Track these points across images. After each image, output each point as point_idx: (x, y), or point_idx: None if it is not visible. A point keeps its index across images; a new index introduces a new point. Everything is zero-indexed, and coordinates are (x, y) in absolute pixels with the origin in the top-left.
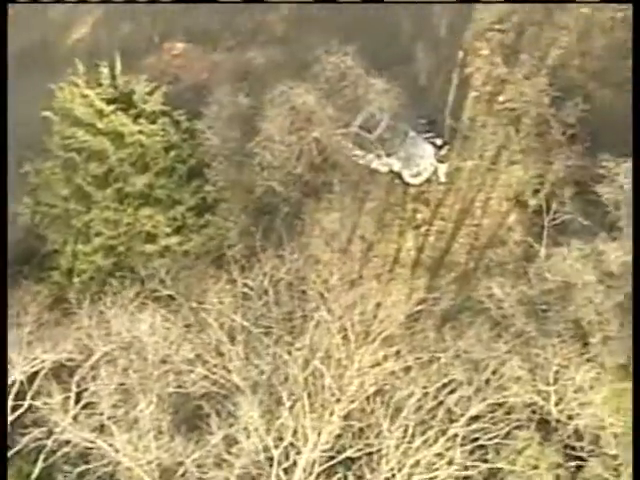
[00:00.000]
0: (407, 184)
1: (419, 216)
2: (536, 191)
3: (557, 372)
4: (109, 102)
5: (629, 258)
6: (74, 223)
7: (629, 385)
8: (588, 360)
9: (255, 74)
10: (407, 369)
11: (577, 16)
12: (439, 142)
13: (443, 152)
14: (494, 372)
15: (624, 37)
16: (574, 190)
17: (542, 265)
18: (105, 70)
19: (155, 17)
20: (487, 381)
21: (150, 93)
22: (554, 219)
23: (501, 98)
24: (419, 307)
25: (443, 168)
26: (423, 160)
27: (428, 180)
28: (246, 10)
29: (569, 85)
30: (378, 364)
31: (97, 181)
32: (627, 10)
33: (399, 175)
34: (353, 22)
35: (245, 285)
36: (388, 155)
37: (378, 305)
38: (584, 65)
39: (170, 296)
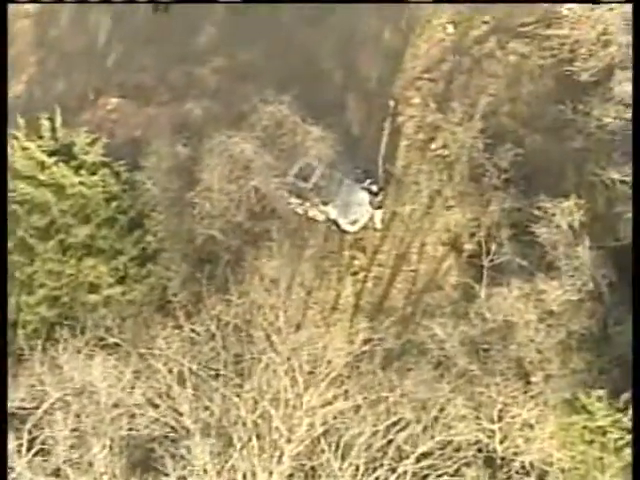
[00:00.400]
0: (344, 231)
1: (356, 263)
2: (472, 235)
3: (501, 410)
4: (50, 154)
5: (569, 296)
6: (18, 275)
7: (576, 419)
8: (532, 397)
9: (193, 126)
10: (357, 408)
11: (506, 64)
12: (375, 189)
13: (379, 199)
14: (441, 410)
15: (552, 84)
16: (511, 232)
17: (483, 305)
18: (46, 123)
19: (89, 73)
20: (435, 419)
21: (90, 145)
22: (492, 260)
23: (434, 145)
24: (363, 348)
25: (379, 215)
26: (359, 207)
27: (364, 227)
28: (178, 65)
29: (500, 131)
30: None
31: (39, 233)
32: (555, 57)
33: (336, 223)
34: (287, 72)
35: (192, 330)
36: (324, 203)
37: (324, 347)
38: (514, 111)
39: (117, 344)
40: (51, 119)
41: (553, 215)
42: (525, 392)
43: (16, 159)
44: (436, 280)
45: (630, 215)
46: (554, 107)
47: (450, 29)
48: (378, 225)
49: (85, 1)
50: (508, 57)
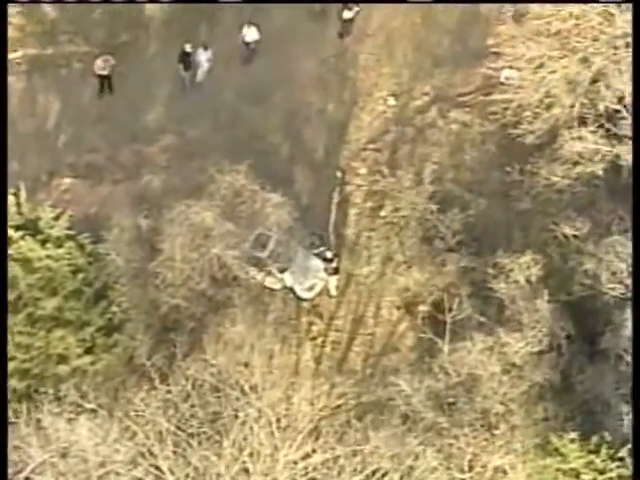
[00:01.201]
0: (300, 299)
1: (314, 328)
2: (428, 295)
3: (471, 460)
4: (16, 229)
5: (531, 349)
6: None
7: (550, 461)
8: (500, 446)
9: (152, 198)
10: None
11: (448, 132)
12: (329, 255)
13: (333, 265)
14: (415, 460)
15: (496, 149)
16: (469, 289)
17: (446, 360)
18: (11, 198)
19: (41, 155)
20: (410, 468)
21: (55, 219)
22: (453, 317)
23: (383, 212)
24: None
25: (333, 282)
26: (314, 274)
27: (320, 294)
28: (128, 144)
29: (447, 196)
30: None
31: (9, 307)
32: (498, 122)
33: (292, 290)
34: (236, 146)
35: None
36: (281, 271)
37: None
38: (458, 177)
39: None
40: (16, 194)
41: (510, 271)
42: (493, 442)
43: None
44: (392, 343)
45: (586, 267)
46: (499, 171)
47: (391, 101)
48: (333, 292)
49: (86, 1)
50: (450, 126)
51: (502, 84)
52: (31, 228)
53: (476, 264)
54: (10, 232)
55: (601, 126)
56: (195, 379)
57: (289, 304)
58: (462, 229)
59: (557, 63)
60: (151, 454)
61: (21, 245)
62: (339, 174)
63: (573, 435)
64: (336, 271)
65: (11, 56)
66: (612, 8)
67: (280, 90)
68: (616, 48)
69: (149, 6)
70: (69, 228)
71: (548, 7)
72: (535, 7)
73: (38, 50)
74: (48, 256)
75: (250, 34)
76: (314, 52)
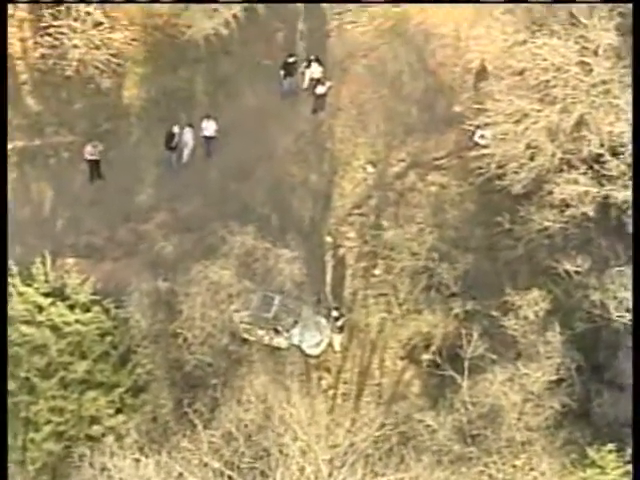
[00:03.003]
0: (308, 355)
1: (324, 382)
2: (427, 346)
3: None
4: (46, 296)
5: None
6: (23, 415)
7: (590, 473)
8: (530, 470)
9: (165, 263)
10: None
11: (427, 194)
12: (335, 314)
13: (339, 324)
14: None
15: (474, 207)
16: (480, 329)
17: (466, 394)
18: (40, 267)
19: (41, 239)
20: None
21: (81, 284)
22: (472, 353)
23: (376, 271)
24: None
25: (338, 338)
26: (320, 331)
27: (326, 350)
28: (123, 224)
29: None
30: None
31: (41, 372)
32: (482, 176)
33: (299, 347)
34: (228, 219)
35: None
36: (287, 330)
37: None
38: (442, 235)
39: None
40: (42, 263)
41: (519, 307)
42: (522, 467)
43: (14, 304)
44: (400, 392)
45: (592, 299)
46: (478, 229)
47: (370, 169)
48: (337, 347)
49: (86, 1)
50: (429, 188)
51: (477, 144)
52: (58, 295)
53: (481, 306)
54: (40, 299)
55: (590, 168)
56: (240, 419)
57: (299, 360)
58: (458, 279)
59: (538, 114)
60: None
61: (51, 312)
62: (330, 239)
63: (611, 447)
64: (341, 329)
65: None
66: (589, 58)
67: (262, 165)
68: (595, 96)
69: (127, 94)
70: (93, 294)
71: (528, 60)
72: (514, 62)
73: (26, 142)
74: (77, 320)
75: (209, 128)
76: (290, 128)
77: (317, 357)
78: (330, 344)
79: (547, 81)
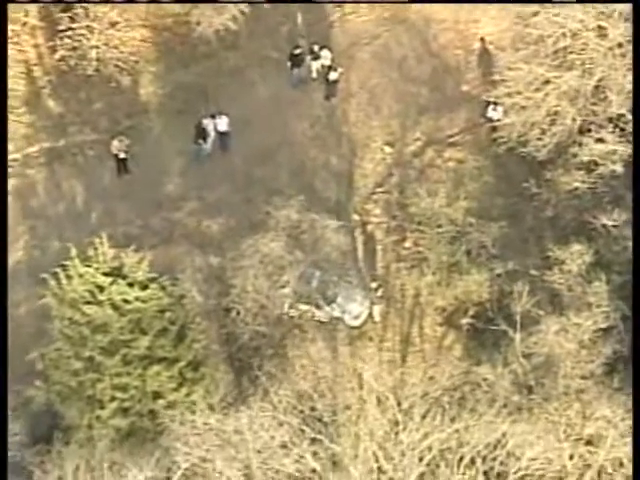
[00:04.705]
0: (349, 327)
1: (368, 351)
2: (465, 311)
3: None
4: (105, 275)
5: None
6: (89, 393)
7: None
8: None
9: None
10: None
11: (446, 169)
12: (374, 285)
13: (378, 294)
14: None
15: (492, 180)
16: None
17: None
18: (99, 247)
19: (78, 232)
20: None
21: (138, 263)
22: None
23: (406, 244)
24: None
25: (377, 309)
26: (360, 303)
27: (366, 321)
28: (155, 214)
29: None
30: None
31: (104, 350)
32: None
33: (341, 319)
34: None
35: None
36: (328, 304)
37: None
38: (470, 205)
39: None
40: (101, 243)
41: (563, 262)
42: (583, 412)
43: (73, 287)
44: (440, 357)
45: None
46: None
47: (387, 149)
48: (377, 318)
49: (87, 1)
50: (447, 163)
51: (490, 119)
52: (117, 274)
53: (521, 266)
54: (101, 279)
55: (616, 127)
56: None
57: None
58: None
59: (558, 80)
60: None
61: (112, 290)
62: (357, 217)
63: None
64: (381, 299)
65: (29, 150)
66: (604, 22)
67: (283, 151)
68: (614, 57)
69: (144, 91)
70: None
71: (546, 28)
72: (533, 30)
73: (52, 143)
74: (137, 298)
75: (221, 123)
76: (305, 115)
77: (359, 328)
78: (370, 315)
79: (565, 47)
